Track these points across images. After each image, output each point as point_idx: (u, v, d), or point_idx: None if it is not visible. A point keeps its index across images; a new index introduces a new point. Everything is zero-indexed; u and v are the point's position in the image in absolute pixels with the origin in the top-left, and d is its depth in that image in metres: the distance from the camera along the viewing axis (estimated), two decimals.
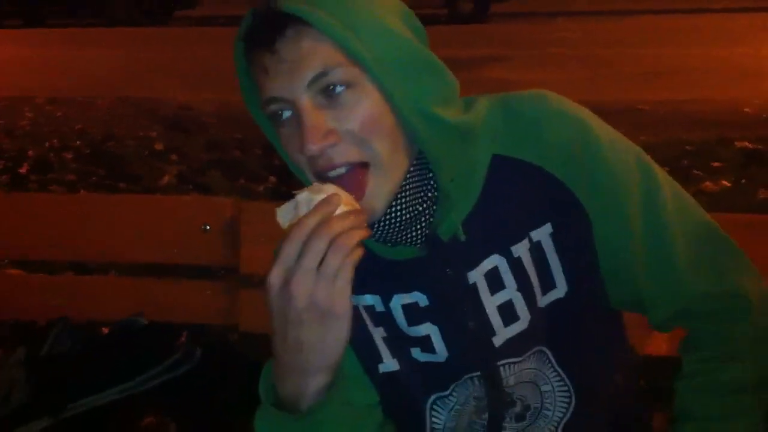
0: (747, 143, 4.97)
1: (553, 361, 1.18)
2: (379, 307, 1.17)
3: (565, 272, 1.13)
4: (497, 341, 1.14)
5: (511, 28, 11.79)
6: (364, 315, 1.18)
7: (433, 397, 1.20)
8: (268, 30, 1.00)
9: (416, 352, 1.18)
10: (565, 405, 1.20)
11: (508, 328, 1.14)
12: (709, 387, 1.16)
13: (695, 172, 4.46)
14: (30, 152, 5.75)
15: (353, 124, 1.01)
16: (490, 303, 1.13)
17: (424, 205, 1.08)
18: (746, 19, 10.81)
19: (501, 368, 1.15)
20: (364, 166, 1.03)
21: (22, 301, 2.27)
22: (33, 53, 10.68)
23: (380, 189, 1.04)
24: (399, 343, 1.18)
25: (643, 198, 1.12)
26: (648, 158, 1.16)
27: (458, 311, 1.14)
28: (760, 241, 1.52)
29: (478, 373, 1.16)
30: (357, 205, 0.98)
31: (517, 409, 1.19)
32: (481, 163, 1.10)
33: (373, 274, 1.11)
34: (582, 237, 1.12)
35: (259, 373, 1.11)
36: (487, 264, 1.12)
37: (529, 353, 1.16)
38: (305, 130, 0.99)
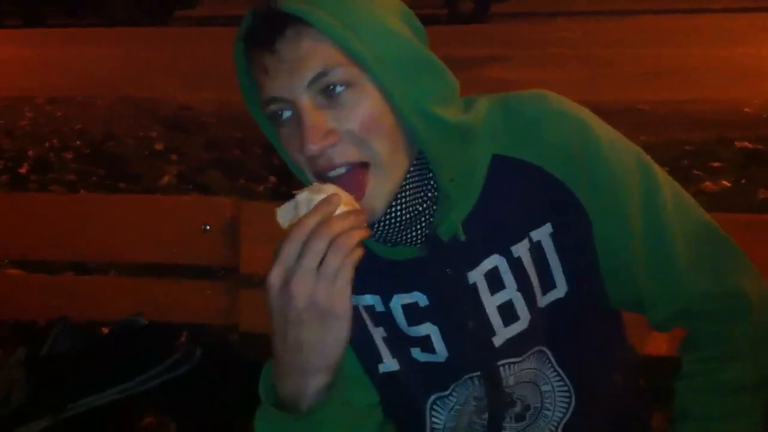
0: (747, 143, 4.97)
1: (553, 361, 1.18)
2: (379, 307, 1.17)
3: (565, 272, 1.13)
4: (497, 341, 1.14)
5: (511, 28, 11.79)
6: (364, 315, 1.18)
7: (433, 397, 1.20)
8: (268, 30, 1.00)
9: (416, 352, 1.18)
10: (565, 405, 1.20)
11: (508, 328, 1.14)
12: (709, 387, 1.17)
13: (695, 172, 4.46)
14: (30, 152, 5.74)
15: (353, 124, 1.00)
16: (490, 303, 1.13)
17: (424, 205, 1.08)
18: (746, 19, 10.81)
19: (501, 368, 1.15)
20: (364, 166, 1.02)
21: (22, 301, 2.27)
22: (33, 53, 10.69)
23: (380, 189, 1.03)
24: (399, 343, 1.18)
25: (643, 198, 1.12)
26: (648, 158, 1.16)
27: (458, 311, 1.14)
28: (760, 241, 1.52)
29: (478, 373, 1.16)
30: (357, 205, 0.98)
31: (517, 409, 1.19)
32: (481, 163, 1.10)
33: (373, 273, 1.11)
34: (582, 237, 1.12)
35: (259, 373, 1.11)
36: (487, 264, 1.12)
37: (529, 353, 1.16)
38: (305, 130, 0.99)
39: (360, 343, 1.17)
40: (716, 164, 4.61)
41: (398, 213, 1.06)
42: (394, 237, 1.09)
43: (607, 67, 8.03)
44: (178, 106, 7.13)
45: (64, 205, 2.40)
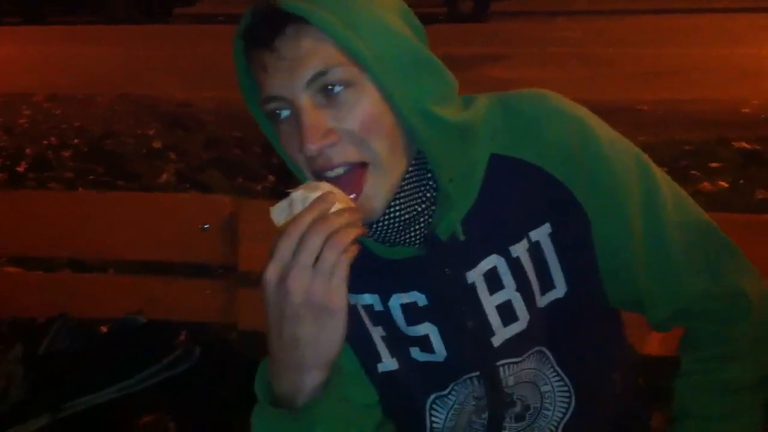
0: (746, 144, 4.97)
1: (553, 361, 1.18)
2: (378, 307, 1.17)
3: (564, 272, 1.13)
4: (496, 341, 1.14)
5: (511, 27, 11.80)
6: (363, 314, 1.18)
7: (432, 397, 1.19)
8: (267, 28, 0.99)
9: (415, 352, 1.17)
10: (564, 405, 1.20)
11: (507, 328, 1.14)
12: (709, 386, 1.16)
13: (693, 172, 4.46)
14: (28, 150, 5.74)
15: (352, 123, 1.00)
16: (489, 303, 1.13)
17: (423, 206, 1.08)
18: (746, 19, 10.82)
19: (500, 368, 1.15)
20: (363, 166, 1.02)
21: (20, 299, 2.27)
22: (33, 51, 10.68)
23: (379, 189, 1.03)
24: (398, 342, 1.18)
25: (643, 198, 1.12)
26: (647, 158, 1.16)
27: (457, 311, 1.13)
28: (759, 241, 1.52)
29: (478, 373, 1.16)
30: (352, 203, 0.98)
31: (517, 409, 1.19)
32: (479, 162, 1.10)
33: (371, 273, 1.10)
34: (581, 237, 1.11)
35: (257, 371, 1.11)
36: (486, 264, 1.12)
37: (528, 353, 1.16)
38: (304, 129, 0.99)
39: (359, 342, 1.16)
40: (715, 165, 4.62)
41: (397, 213, 1.06)
42: (393, 237, 1.09)
43: (607, 66, 8.03)
44: (178, 104, 7.13)
45: (63, 203, 2.40)
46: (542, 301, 1.14)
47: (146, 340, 2.05)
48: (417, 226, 1.09)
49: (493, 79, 7.05)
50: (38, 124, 6.70)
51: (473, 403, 1.19)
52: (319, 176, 1.02)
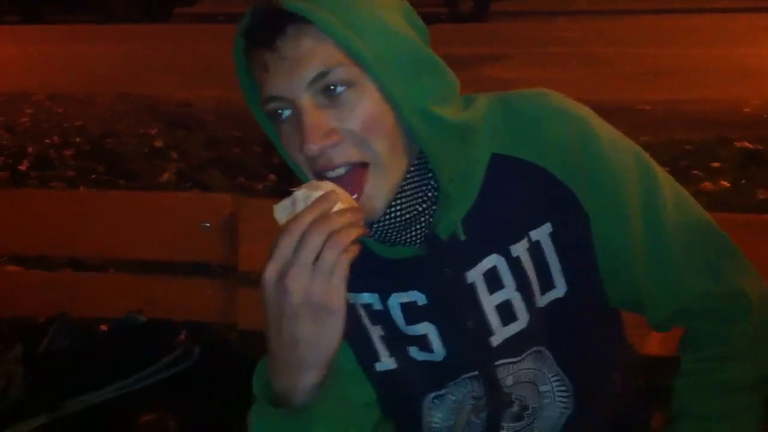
0: (746, 143, 4.97)
1: (552, 361, 1.17)
2: (377, 306, 1.17)
3: (564, 272, 1.13)
4: (495, 341, 1.14)
5: (512, 27, 11.80)
6: (362, 313, 1.18)
7: (430, 396, 1.19)
8: (268, 28, 0.99)
9: (414, 351, 1.17)
10: (563, 405, 1.20)
11: (507, 327, 1.13)
12: (709, 386, 1.16)
13: (694, 172, 4.46)
14: (30, 149, 5.74)
15: (354, 123, 1.00)
16: (489, 303, 1.13)
17: (424, 205, 1.08)
18: (746, 19, 10.83)
19: (499, 368, 1.15)
20: (364, 166, 1.02)
21: (20, 298, 2.26)
22: (33, 50, 10.68)
23: (379, 189, 1.03)
24: (396, 341, 1.18)
25: (643, 197, 1.12)
26: (648, 157, 1.16)
27: (456, 311, 1.13)
28: (759, 241, 1.52)
29: (476, 373, 1.16)
30: (354, 203, 0.98)
31: (515, 409, 1.19)
32: (480, 162, 1.10)
33: (371, 272, 1.10)
34: (581, 236, 1.11)
35: None
36: (486, 263, 1.12)
37: (527, 353, 1.16)
38: (306, 129, 0.99)
39: (357, 341, 1.16)
40: (716, 164, 4.61)
41: (398, 213, 1.06)
42: (394, 236, 1.09)
43: (607, 66, 8.03)
44: (178, 104, 7.13)
45: (63, 202, 2.40)
46: (542, 300, 1.14)
47: (145, 339, 2.05)
48: (417, 226, 1.09)
49: (494, 79, 7.05)
50: (40, 123, 6.70)
51: (471, 402, 1.18)
52: (320, 176, 1.02)
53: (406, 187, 1.06)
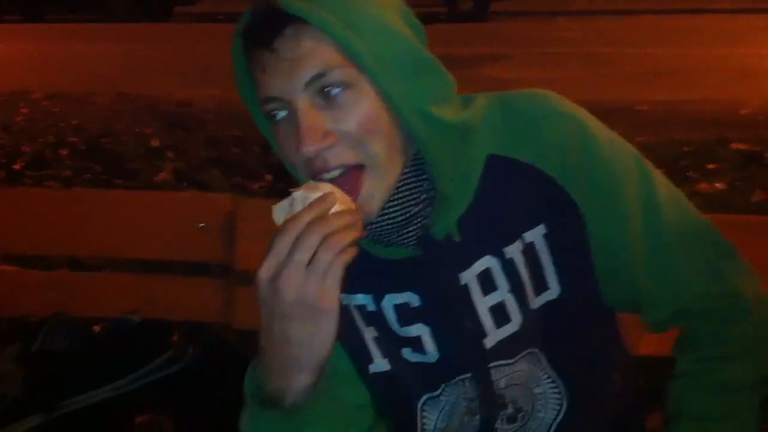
0: (745, 144, 4.96)
1: (546, 363, 1.17)
2: (371, 307, 1.16)
3: (558, 274, 1.13)
4: (489, 343, 1.14)
5: (511, 27, 11.80)
6: (356, 315, 1.17)
7: (424, 398, 1.19)
8: (267, 28, 0.99)
9: (407, 353, 1.17)
10: (557, 407, 1.19)
11: (500, 329, 1.13)
12: (709, 386, 1.16)
13: (692, 173, 4.45)
14: (25, 148, 5.73)
15: (351, 125, 1.00)
16: (482, 304, 1.13)
17: (419, 207, 1.08)
18: (746, 20, 10.84)
19: (492, 370, 1.15)
20: (360, 168, 1.02)
21: (18, 298, 2.26)
22: (33, 49, 10.68)
23: (376, 191, 1.03)
24: (390, 343, 1.17)
25: (643, 198, 1.12)
26: (645, 160, 1.16)
27: (450, 312, 1.13)
28: (757, 242, 1.52)
29: (470, 375, 1.16)
30: (352, 205, 0.98)
31: (509, 411, 1.19)
32: (476, 163, 1.10)
33: (365, 272, 1.09)
34: (576, 238, 1.11)
35: None
36: (480, 265, 1.11)
37: (521, 355, 1.16)
38: (302, 131, 0.99)
39: (351, 343, 1.16)
40: (714, 165, 4.61)
41: (392, 214, 1.06)
42: (388, 238, 1.09)
43: (606, 66, 8.04)
44: (178, 103, 7.13)
45: (61, 202, 2.39)
46: (536, 302, 1.14)
47: (141, 339, 2.05)
48: (412, 227, 1.09)
49: (493, 79, 7.05)
50: (36, 122, 6.69)
51: (465, 404, 1.18)
52: (316, 178, 1.02)
53: (401, 188, 1.06)
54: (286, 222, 0.94)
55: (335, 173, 1.02)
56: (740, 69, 7.49)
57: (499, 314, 1.13)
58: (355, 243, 0.95)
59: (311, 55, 0.98)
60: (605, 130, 1.14)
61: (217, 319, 2.20)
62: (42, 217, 2.20)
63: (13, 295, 2.26)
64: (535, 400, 1.19)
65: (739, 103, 6.16)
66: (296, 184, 1.02)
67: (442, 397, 1.19)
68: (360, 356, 1.18)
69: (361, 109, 1.00)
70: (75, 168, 5.16)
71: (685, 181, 4.15)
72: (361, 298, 1.16)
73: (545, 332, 1.15)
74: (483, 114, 1.10)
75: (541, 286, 1.13)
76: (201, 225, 2.08)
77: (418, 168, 1.07)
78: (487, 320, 1.13)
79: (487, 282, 1.12)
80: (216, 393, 1.93)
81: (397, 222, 1.07)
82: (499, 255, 1.11)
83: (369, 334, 1.18)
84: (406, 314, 1.15)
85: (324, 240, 0.92)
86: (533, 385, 1.18)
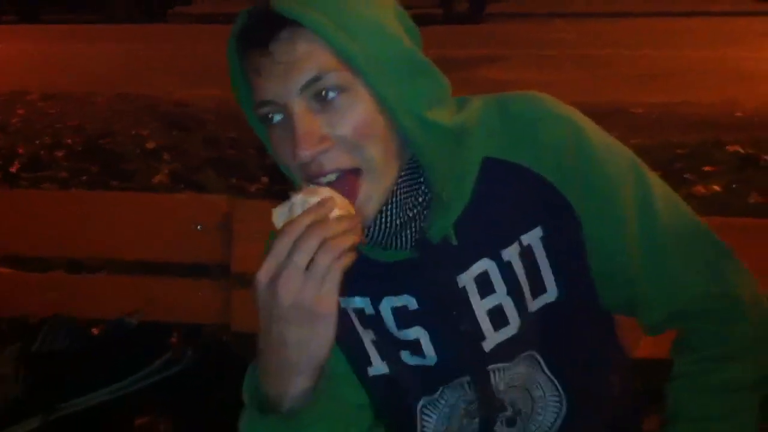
0: (740, 147, 4.97)
1: (544, 365, 1.17)
2: (369, 310, 1.16)
3: (555, 276, 1.13)
4: (487, 346, 1.14)
5: (507, 29, 11.81)
6: (353, 318, 1.17)
7: (423, 401, 1.19)
8: (262, 30, 0.99)
9: (405, 356, 1.17)
10: (556, 410, 1.20)
11: (498, 332, 1.13)
12: (709, 387, 1.15)
13: (688, 175, 4.45)
14: (21, 150, 5.71)
15: (346, 129, 1.00)
16: (480, 307, 1.12)
17: (415, 210, 1.08)
18: (741, 23, 10.86)
19: (491, 373, 1.15)
20: (355, 172, 1.02)
21: (16, 299, 2.26)
22: (32, 49, 10.66)
23: (372, 194, 1.03)
24: (388, 346, 1.17)
25: (639, 200, 1.12)
26: (641, 162, 1.16)
27: (448, 315, 1.13)
28: (753, 244, 1.52)
29: (468, 378, 1.16)
30: (352, 210, 0.98)
31: (508, 413, 1.19)
32: (472, 165, 1.10)
33: (363, 275, 1.09)
34: (573, 240, 1.11)
35: None
36: (477, 268, 1.11)
37: (519, 358, 1.16)
38: (298, 135, 0.98)
39: (349, 346, 1.16)
40: (709, 168, 4.61)
41: (389, 218, 1.06)
42: (385, 241, 1.09)
43: (602, 68, 8.05)
44: (176, 104, 7.12)
45: (58, 203, 2.39)
46: (534, 305, 1.14)
47: (139, 341, 2.05)
48: (408, 231, 1.08)
49: (489, 81, 7.06)
50: (32, 124, 6.67)
51: (464, 407, 1.18)
52: (312, 181, 1.02)
53: (397, 192, 1.06)
54: (286, 225, 0.94)
55: (331, 177, 1.01)
56: (736, 71, 7.50)
57: (497, 317, 1.13)
58: (354, 248, 0.95)
59: (306, 59, 0.97)
60: (601, 132, 1.14)
61: (215, 320, 2.20)
62: (41, 218, 2.20)
63: (12, 295, 2.26)
64: (534, 403, 1.19)
65: (735, 106, 6.17)
66: (292, 187, 1.01)
67: (441, 400, 1.19)
68: (358, 359, 1.18)
69: (357, 113, 1.00)
70: (71, 169, 5.15)
71: (681, 184, 4.16)
72: (358, 301, 1.16)
73: (543, 335, 1.15)
74: (478, 116, 1.10)
75: (538, 289, 1.13)
76: (198, 226, 2.07)
77: (414, 171, 1.07)
78: (485, 323, 1.13)
79: (484, 285, 1.12)
80: (214, 395, 1.93)
81: (394, 226, 1.07)
82: (497, 258, 1.11)
83: (367, 337, 1.18)
84: (404, 317, 1.15)
85: (323, 244, 0.91)
86: (532, 388, 1.18)
